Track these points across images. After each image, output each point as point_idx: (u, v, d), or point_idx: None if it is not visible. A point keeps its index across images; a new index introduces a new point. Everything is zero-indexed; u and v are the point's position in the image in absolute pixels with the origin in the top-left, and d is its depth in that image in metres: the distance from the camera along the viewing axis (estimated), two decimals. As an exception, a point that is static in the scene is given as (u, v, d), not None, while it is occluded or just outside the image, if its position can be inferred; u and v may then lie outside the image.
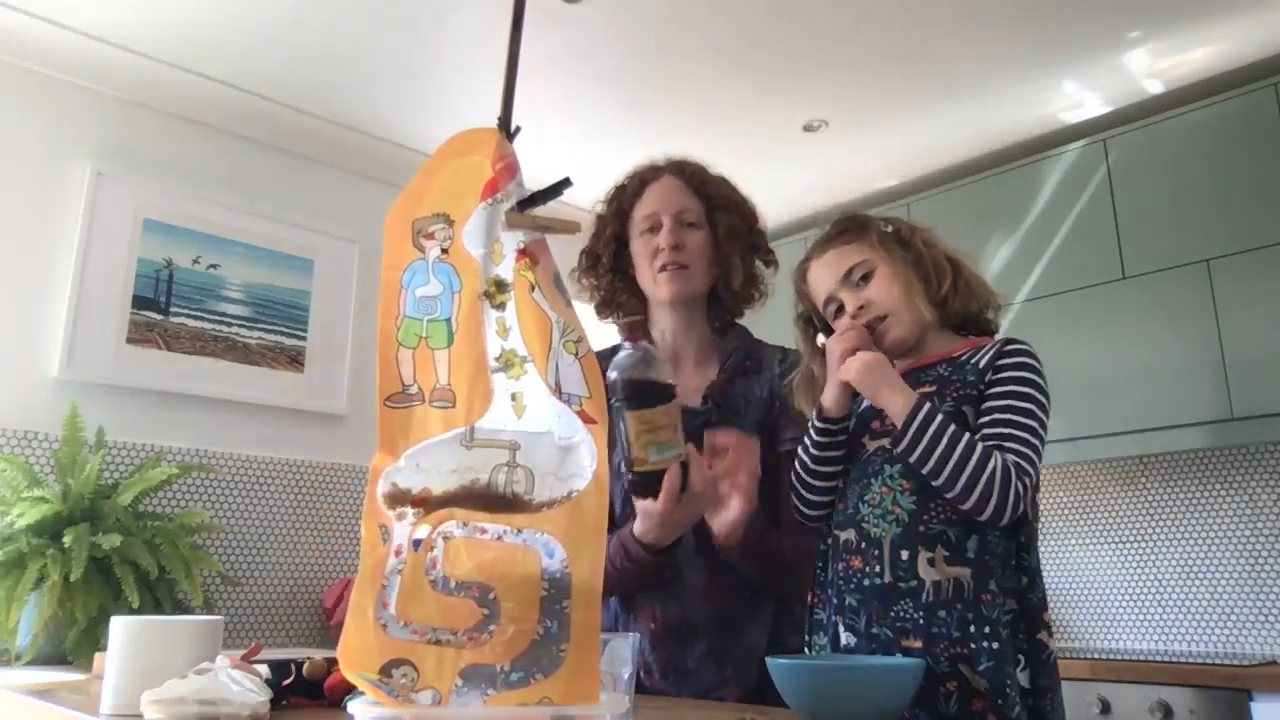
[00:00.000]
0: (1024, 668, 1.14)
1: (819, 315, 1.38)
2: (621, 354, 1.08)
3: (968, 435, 1.15)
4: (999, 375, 1.21)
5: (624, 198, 1.54)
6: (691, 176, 1.51)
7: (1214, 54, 2.72)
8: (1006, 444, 1.15)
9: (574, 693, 0.72)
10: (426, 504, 0.74)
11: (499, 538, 0.74)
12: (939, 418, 1.16)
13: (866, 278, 1.31)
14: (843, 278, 1.32)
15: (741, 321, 1.56)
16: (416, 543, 0.74)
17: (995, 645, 1.12)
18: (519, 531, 0.74)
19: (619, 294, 1.55)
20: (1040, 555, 1.24)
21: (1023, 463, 1.14)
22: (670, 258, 1.44)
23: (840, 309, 1.34)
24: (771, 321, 1.57)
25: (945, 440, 1.14)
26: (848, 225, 1.36)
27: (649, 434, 1.03)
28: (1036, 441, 1.17)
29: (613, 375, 1.05)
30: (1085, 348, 2.81)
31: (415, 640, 0.71)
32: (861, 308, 1.29)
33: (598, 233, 1.56)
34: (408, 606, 0.72)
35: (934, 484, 1.15)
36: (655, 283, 1.46)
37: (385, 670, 0.70)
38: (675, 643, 1.33)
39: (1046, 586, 1.21)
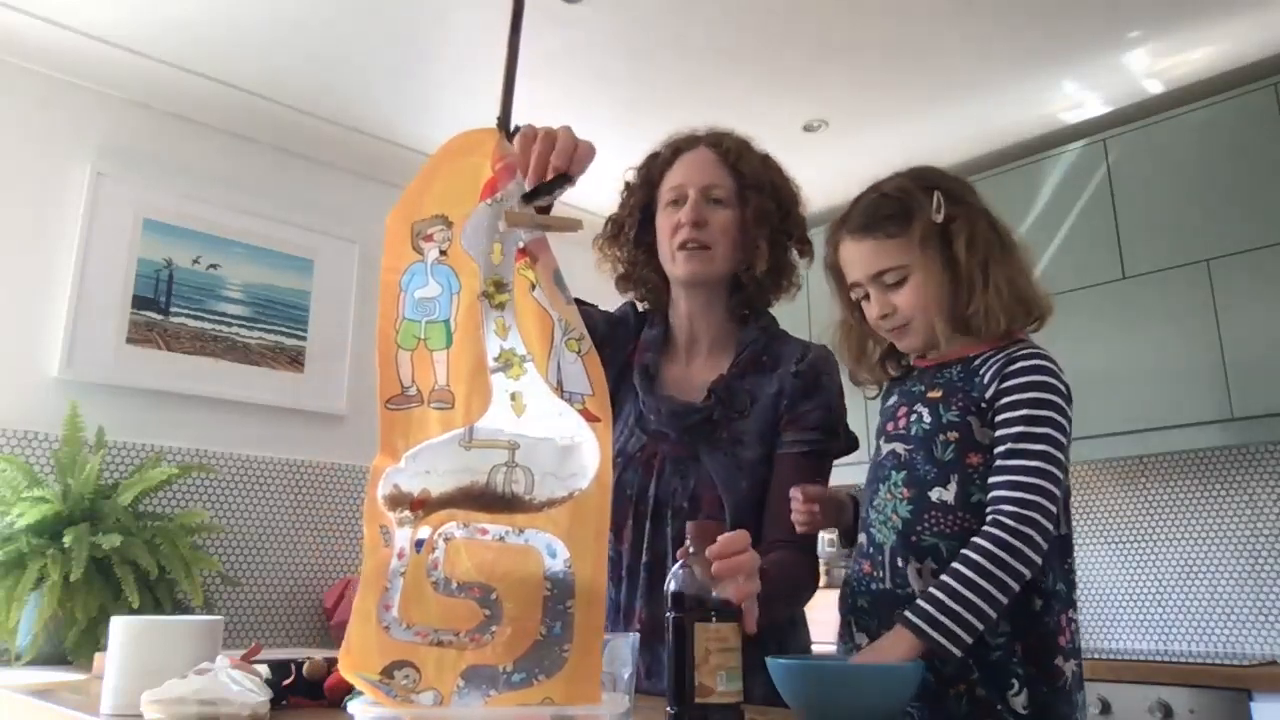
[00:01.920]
0: (1018, 692, 1.10)
1: (841, 282, 1.32)
2: (692, 560, 0.95)
3: (956, 574, 1.08)
4: (1007, 398, 1.16)
5: (655, 166, 1.46)
6: (728, 151, 1.41)
7: (1214, 54, 2.72)
8: (1016, 489, 1.10)
9: (575, 694, 0.72)
10: (425, 506, 0.74)
11: (500, 538, 0.74)
12: (929, 607, 1.08)
13: (900, 283, 1.23)
14: (872, 276, 1.25)
15: (772, 311, 1.47)
16: (418, 544, 0.74)
17: (989, 661, 1.11)
18: (520, 532, 0.74)
19: (640, 268, 1.47)
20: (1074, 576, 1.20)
21: (1031, 505, 1.09)
22: (690, 235, 1.35)
23: (865, 296, 1.28)
24: (803, 311, 1.53)
25: (963, 601, 1.07)
26: (894, 211, 1.25)
27: (720, 654, 0.87)
28: (1050, 468, 1.11)
29: (675, 585, 0.92)
30: (1085, 348, 2.81)
31: (418, 642, 0.71)
32: (886, 315, 1.25)
33: (624, 201, 1.48)
34: (410, 608, 0.72)
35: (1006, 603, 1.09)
36: (674, 260, 1.38)
37: (387, 671, 0.70)
38: (658, 643, 1.30)
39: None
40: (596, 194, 1.70)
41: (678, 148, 1.45)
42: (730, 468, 1.31)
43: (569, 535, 0.74)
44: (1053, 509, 1.11)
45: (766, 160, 1.45)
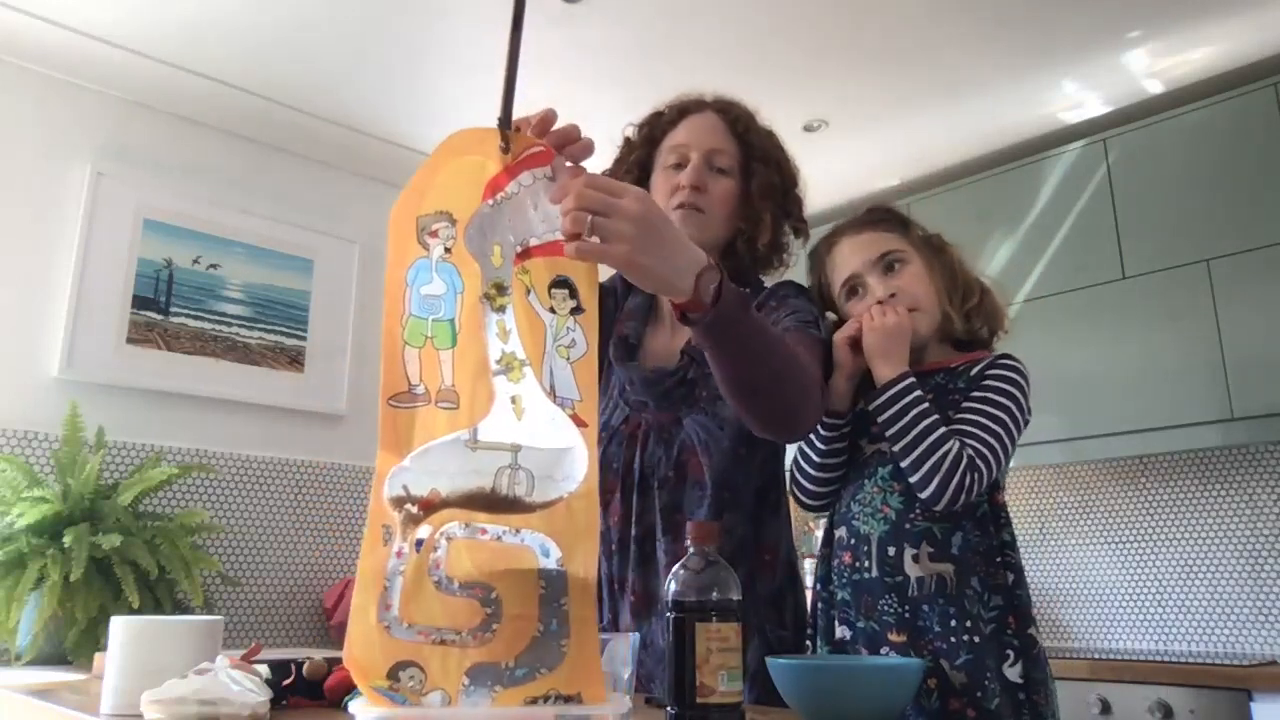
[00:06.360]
0: (1014, 663, 1.15)
1: (829, 294, 1.37)
2: (691, 560, 0.92)
3: (935, 417, 1.18)
4: (983, 381, 1.24)
5: (658, 125, 1.42)
6: (736, 120, 1.38)
7: (1214, 54, 2.72)
8: (968, 438, 1.17)
9: (578, 682, 0.73)
10: (433, 506, 0.75)
11: (498, 538, 0.75)
12: (915, 394, 1.19)
13: (896, 266, 1.30)
14: (874, 260, 1.31)
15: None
16: (418, 543, 0.74)
17: (975, 640, 1.14)
18: (517, 532, 0.76)
19: None
20: (1027, 554, 1.26)
21: (978, 458, 1.16)
22: (688, 198, 1.30)
23: (855, 290, 1.33)
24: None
25: (911, 414, 1.18)
26: (887, 216, 1.36)
27: (722, 654, 0.87)
28: (998, 443, 1.18)
29: (676, 586, 0.91)
30: (1085, 348, 2.80)
31: (420, 641, 0.72)
32: (893, 295, 1.28)
33: (622, 156, 1.43)
34: (411, 607, 0.72)
35: (894, 453, 1.19)
36: None
37: (392, 673, 0.71)
38: (649, 618, 1.26)
39: (1043, 585, 1.24)
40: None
41: (684, 109, 1.41)
42: (711, 427, 1.25)
43: (560, 535, 0.76)
44: (992, 475, 1.17)
45: (772, 135, 1.43)
